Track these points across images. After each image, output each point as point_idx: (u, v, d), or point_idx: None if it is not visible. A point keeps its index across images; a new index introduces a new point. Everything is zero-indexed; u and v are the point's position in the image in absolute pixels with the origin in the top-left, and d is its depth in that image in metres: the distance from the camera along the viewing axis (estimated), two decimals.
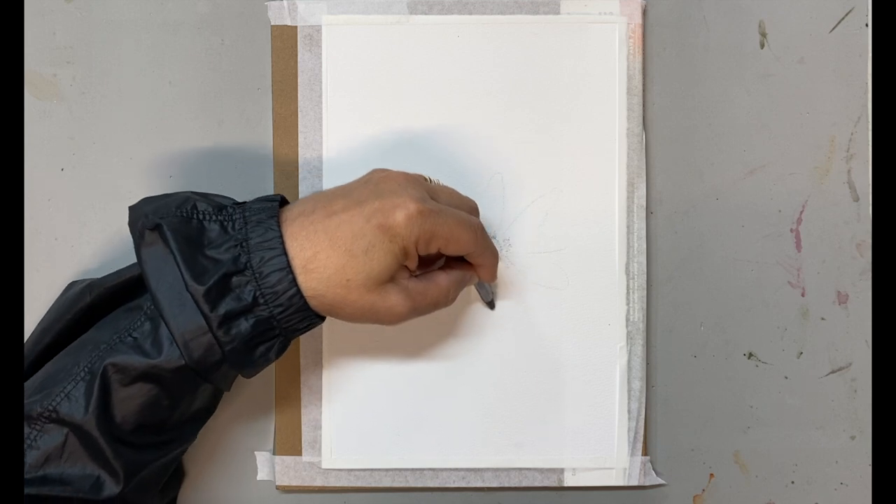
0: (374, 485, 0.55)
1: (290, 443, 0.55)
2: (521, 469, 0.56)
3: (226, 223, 0.45)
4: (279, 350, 0.47)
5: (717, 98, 0.57)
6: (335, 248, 0.44)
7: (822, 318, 0.57)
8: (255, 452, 0.56)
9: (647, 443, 0.56)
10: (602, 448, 0.56)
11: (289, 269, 0.44)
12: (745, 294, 0.57)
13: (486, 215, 0.55)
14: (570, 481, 0.56)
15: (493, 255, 0.51)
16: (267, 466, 0.56)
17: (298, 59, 0.55)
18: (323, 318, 0.47)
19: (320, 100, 0.55)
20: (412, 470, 0.56)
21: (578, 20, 0.56)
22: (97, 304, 0.48)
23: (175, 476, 0.54)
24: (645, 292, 0.56)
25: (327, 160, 0.55)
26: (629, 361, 0.56)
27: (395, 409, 0.55)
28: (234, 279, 0.44)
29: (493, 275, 0.51)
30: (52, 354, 0.47)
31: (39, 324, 0.50)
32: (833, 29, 0.57)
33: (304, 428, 0.55)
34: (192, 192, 0.47)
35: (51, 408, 0.44)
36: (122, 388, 0.44)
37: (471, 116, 0.55)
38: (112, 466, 0.44)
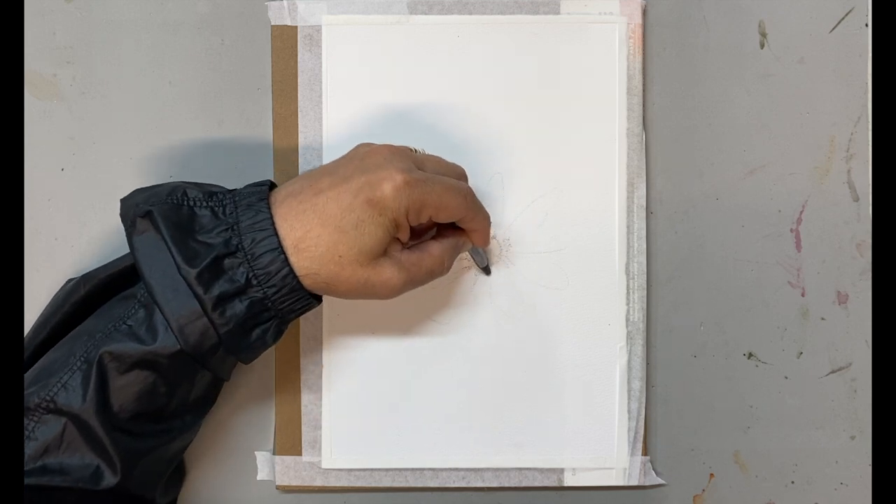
0: (374, 485, 0.55)
1: (290, 443, 0.55)
2: (521, 469, 0.56)
3: (216, 209, 0.45)
4: (275, 333, 0.47)
5: (717, 98, 0.57)
6: (325, 226, 0.44)
7: (822, 318, 0.57)
8: (255, 452, 0.56)
9: (647, 443, 0.56)
10: (602, 448, 0.56)
11: (280, 249, 0.44)
12: (745, 294, 0.57)
13: None
14: (570, 481, 0.56)
15: (485, 219, 0.50)
16: (267, 466, 0.56)
17: (298, 59, 0.55)
18: (319, 300, 0.48)
19: (320, 100, 0.55)
20: (412, 470, 0.56)
21: (578, 20, 0.56)
22: (91, 295, 0.48)
23: (177, 476, 0.54)
24: (645, 292, 0.56)
25: (327, 160, 0.55)
26: (629, 361, 0.56)
27: (395, 409, 0.55)
28: (227, 261, 0.44)
29: (486, 239, 0.51)
30: (48, 348, 0.47)
31: (37, 320, 0.50)
32: (833, 29, 0.57)
33: (304, 428, 0.55)
34: (183, 181, 0.48)
35: (48, 398, 0.44)
36: (119, 377, 0.44)
37: (470, 116, 0.55)
38: (110, 456, 0.45)
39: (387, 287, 0.47)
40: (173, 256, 0.44)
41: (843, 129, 0.57)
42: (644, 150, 0.56)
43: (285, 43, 0.55)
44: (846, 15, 0.57)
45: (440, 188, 0.46)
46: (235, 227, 0.44)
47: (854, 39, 0.57)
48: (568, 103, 0.56)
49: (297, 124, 0.55)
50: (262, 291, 0.44)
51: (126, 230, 0.46)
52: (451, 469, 0.56)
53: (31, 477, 0.43)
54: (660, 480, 0.56)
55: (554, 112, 0.56)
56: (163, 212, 0.45)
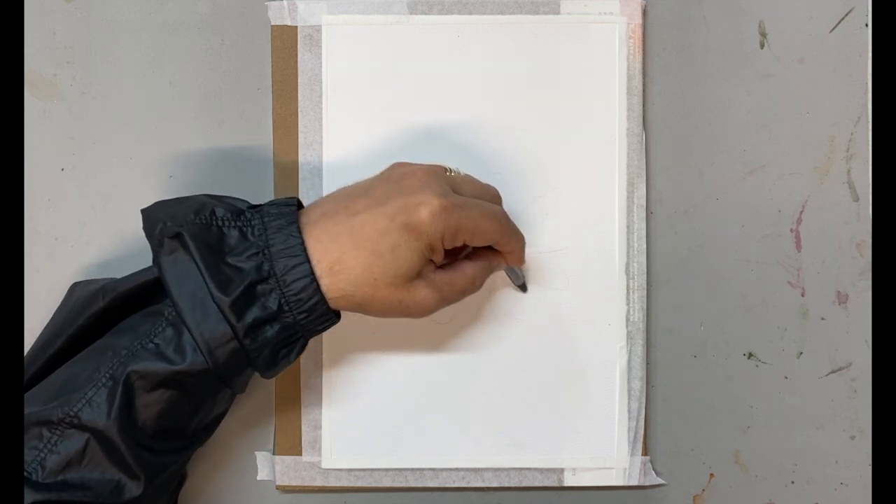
0: (374, 485, 0.55)
1: (290, 443, 0.55)
2: (521, 469, 0.56)
3: (244, 228, 0.45)
4: (300, 350, 0.47)
5: (717, 98, 0.57)
6: (361, 249, 0.44)
7: (822, 318, 0.57)
8: (256, 452, 0.56)
9: (647, 443, 0.56)
10: (602, 448, 0.56)
11: (312, 276, 0.44)
12: (745, 294, 0.57)
13: None
14: (570, 481, 0.56)
15: (520, 241, 0.51)
16: (267, 466, 0.56)
17: (298, 59, 0.55)
18: (339, 317, 0.48)
19: (320, 100, 0.55)
20: (412, 470, 0.56)
21: (578, 20, 0.56)
22: (111, 308, 0.47)
23: (178, 479, 0.54)
24: (645, 292, 0.56)
25: (327, 160, 0.55)
26: (629, 361, 0.56)
27: (396, 409, 0.55)
28: (259, 287, 0.44)
29: (522, 258, 0.51)
30: (64, 359, 0.47)
31: (47, 327, 0.49)
32: (833, 29, 0.57)
33: (304, 428, 0.55)
34: (206, 196, 0.47)
35: (72, 413, 0.43)
36: (145, 395, 0.44)
37: (471, 116, 0.55)
38: (133, 470, 0.44)
39: (420, 307, 0.47)
40: (205, 281, 0.43)
41: (844, 129, 0.57)
42: (644, 150, 0.56)
43: (285, 43, 0.55)
44: (846, 15, 0.57)
45: (476, 213, 0.47)
46: (266, 251, 0.44)
47: (854, 39, 0.57)
48: (568, 103, 0.56)
49: (297, 124, 0.55)
50: (292, 317, 0.45)
51: (153, 248, 0.45)
52: (451, 469, 0.56)
53: (52, 492, 0.43)
54: (660, 480, 0.56)
55: (554, 112, 0.56)
56: (192, 232, 0.44)
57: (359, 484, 0.55)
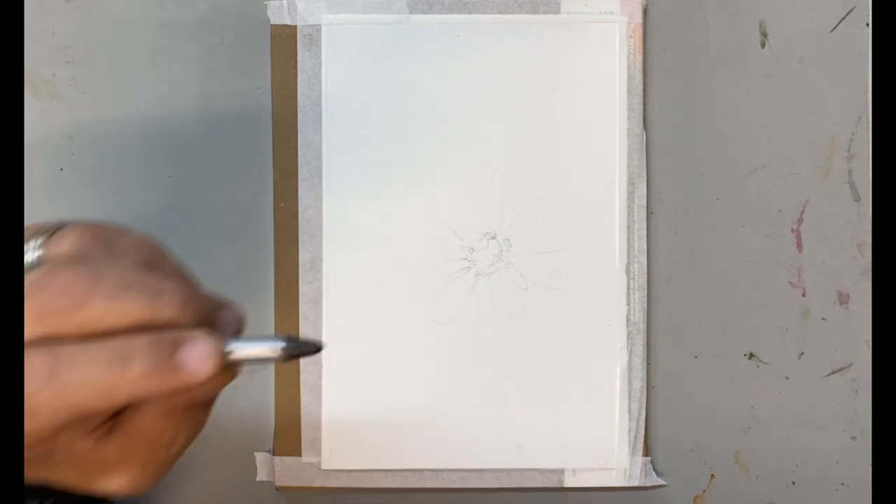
0: (373, 485, 0.55)
1: (289, 443, 0.55)
2: (521, 470, 0.56)
3: None
4: None
5: (717, 98, 0.57)
6: None
7: (823, 319, 0.57)
8: (255, 453, 0.56)
9: (648, 443, 0.56)
10: (602, 448, 0.56)
11: None
12: (745, 294, 0.57)
13: (487, 215, 0.55)
14: (570, 482, 0.56)
15: (212, 306, 0.33)
16: (267, 467, 0.56)
17: (298, 59, 0.55)
18: None
19: (320, 99, 0.55)
20: (412, 471, 0.55)
21: (579, 19, 0.56)
22: None
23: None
24: (645, 292, 0.56)
25: (327, 160, 0.55)
26: (629, 362, 0.56)
27: (395, 410, 0.55)
28: None
29: (239, 323, 0.34)
30: None
31: None
32: (834, 28, 0.57)
33: (303, 428, 0.55)
34: None
35: None
36: None
37: (470, 116, 0.55)
38: None
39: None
40: None
41: (844, 128, 0.57)
42: (644, 150, 0.56)
43: (285, 42, 0.55)
44: (847, 14, 0.57)
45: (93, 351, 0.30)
46: None
47: (855, 39, 0.57)
48: (568, 103, 0.56)
49: (297, 124, 0.55)
50: None
51: None
52: (450, 470, 0.55)
53: None
54: (660, 481, 0.56)
55: (554, 112, 0.56)
56: None
57: (358, 485, 0.55)
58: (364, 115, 0.55)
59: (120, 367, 0.29)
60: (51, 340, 0.30)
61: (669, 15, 0.57)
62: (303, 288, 0.55)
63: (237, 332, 0.33)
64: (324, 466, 0.55)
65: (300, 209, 0.55)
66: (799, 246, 0.57)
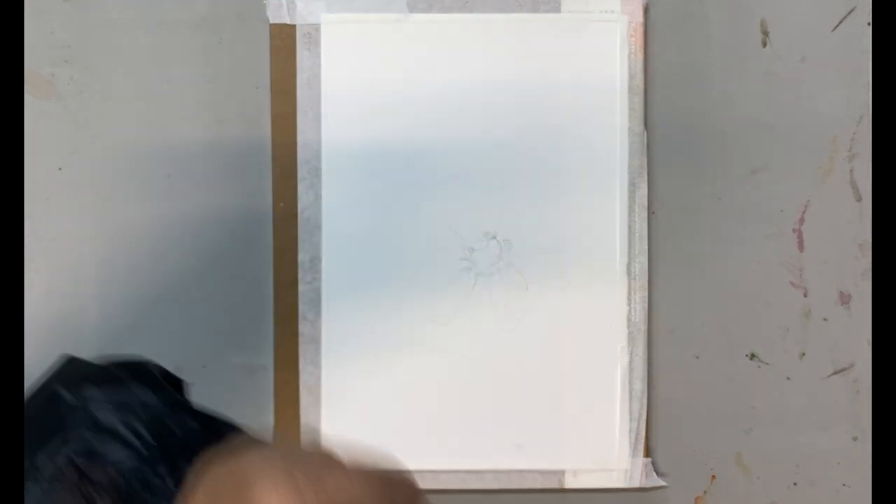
0: None
1: None
2: (521, 471, 0.55)
3: None
4: None
5: (718, 97, 0.57)
6: None
7: (825, 319, 0.57)
8: None
9: (649, 444, 0.56)
10: (603, 449, 0.55)
11: None
12: (747, 294, 0.57)
13: (487, 215, 0.55)
14: (570, 483, 0.56)
15: None
16: None
17: (297, 58, 0.55)
18: None
19: (319, 99, 0.55)
20: (412, 471, 0.55)
21: (579, 18, 0.55)
22: None
23: None
24: (646, 293, 0.56)
25: (326, 159, 0.55)
26: (630, 362, 0.56)
27: (394, 411, 0.55)
28: None
29: None
30: None
31: None
32: (835, 28, 0.57)
33: (303, 429, 0.55)
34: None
35: None
36: None
37: (470, 115, 0.55)
38: None
39: None
40: None
41: (846, 128, 0.57)
42: (645, 150, 0.56)
43: (284, 41, 0.55)
44: (848, 14, 0.57)
45: None
46: None
47: (856, 38, 0.57)
48: (569, 102, 0.55)
49: (296, 123, 0.55)
50: None
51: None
52: (450, 471, 0.55)
53: None
54: (661, 482, 0.56)
55: (554, 111, 0.55)
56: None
57: None
58: (363, 114, 0.55)
59: None
60: None
61: (670, 14, 0.57)
62: (302, 288, 0.55)
63: None
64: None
65: (299, 209, 0.55)
66: (800, 246, 0.57)
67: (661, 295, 0.57)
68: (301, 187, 0.55)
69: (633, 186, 0.56)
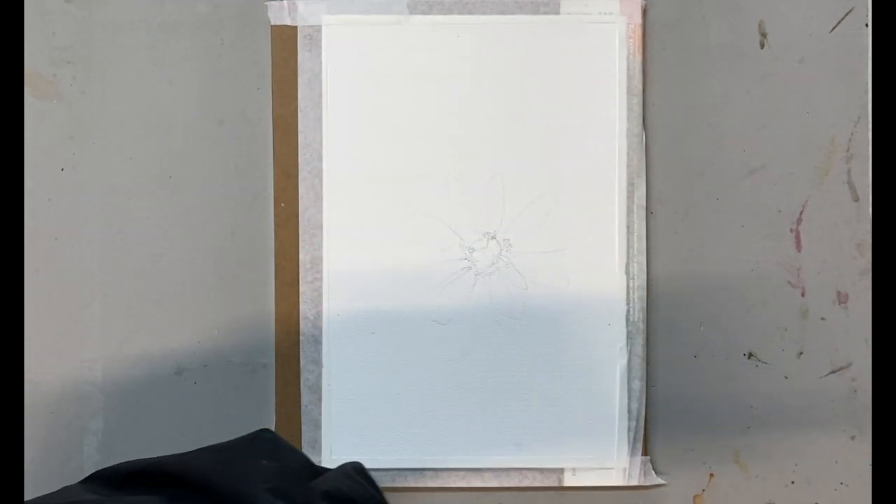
0: None
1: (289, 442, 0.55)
2: (521, 469, 0.56)
3: None
4: None
5: (717, 98, 0.57)
6: None
7: (822, 318, 0.57)
8: None
9: (648, 443, 0.56)
10: (602, 448, 0.56)
11: None
12: (745, 294, 0.57)
13: (487, 215, 0.55)
14: (570, 481, 0.56)
15: None
16: None
17: (298, 59, 0.55)
18: None
19: (320, 100, 0.55)
20: (412, 470, 0.55)
21: (578, 20, 0.56)
22: None
23: None
24: (645, 292, 0.56)
25: (327, 160, 0.55)
26: (629, 361, 0.56)
27: (395, 410, 0.55)
28: None
29: None
30: None
31: None
32: (833, 29, 0.57)
33: (304, 428, 0.55)
34: None
35: None
36: None
37: (471, 116, 0.55)
38: None
39: None
40: None
41: (844, 128, 0.57)
42: (644, 150, 0.56)
43: (285, 43, 0.55)
44: (846, 15, 0.57)
45: None
46: None
47: (854, 39, 0.57)
48: (568, 103, 0.56)
49: (297, 124, 0.55)
50: None
51: None
52: (451, 469, 0.55)
53: None
54: (660, 480, 0.56)
55: (554, 112, 0.56)
56: None
57: None
58: (364, 115, 0.55)
59: None
60: None
61: (669, 15, 0.57)
62: (303, 288, 0.55)
63: None
64: (324, 465, 0.55)
65: (300, 209, 0.55)
66: (798, 246, 0.57)
67: (659, 294, 0.57)
68: (302, 188, 0.55)
69: (631, 186, 0.56)
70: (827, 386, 0.57)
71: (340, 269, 0.55)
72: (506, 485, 0.56)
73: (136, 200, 0.56)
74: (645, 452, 0.56)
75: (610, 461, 0.56)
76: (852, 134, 0.57)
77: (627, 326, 0.56)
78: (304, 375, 0.55)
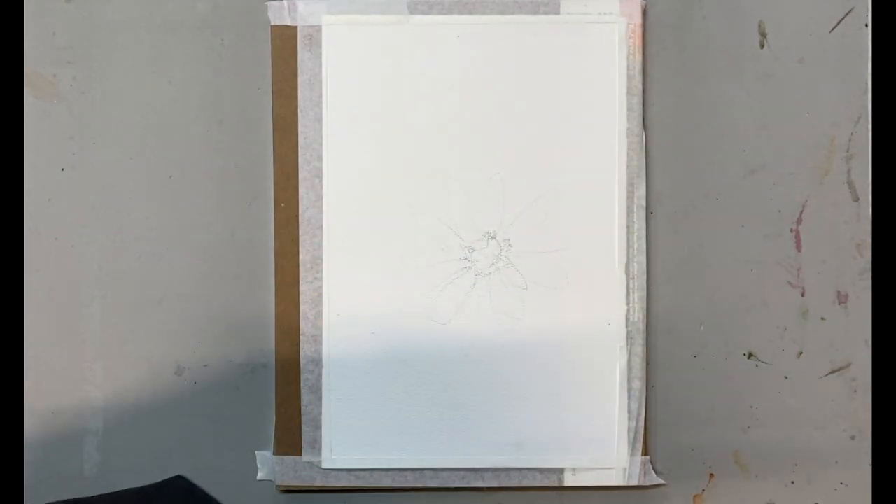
0: (374, 485, 0.55)
1: (289, 442, 0.55)
2: (521, 469, 0.56)
3: None
4: None
5: (716, 98, 0.57)
6: None
7: (822, 318, 0.57)
8: (255, 452, 0.56)
9: (647, 443, 0.56)
10: (602, 448, 0.56)
11: None
12: (745, 294, 0.57)
13: (487, 215, 0.55)
14: (570, 481, 0.56)
15: None
16: (267, 466, 0.56)
17: (298, 59, 0.55)
18: None
19: (320, 100, 0.55)
20: (412, 470, 0.56)
21: (578, 20, 0.56)
22: None
23: None
24: (645, 292, 0.56)
25: (327, 160, 0.55)
26: (629, 361, 0.56)
27: (395, 409, 0.55)
28: None
29: None
30: None
31: None
32: (833, 29, 0.57)
33: (304, 427, 0.55)
34: None
35: None
36: None
37: (471, 116, 0.56)
38: None
39: None
40: None
41: (843, 128, 0.57)
42: (644, 150, 0.56)
43: (285, 43, 0.55)
44: (846, 15, 0.57)
45: None
46: None
47: (854, 39, 0.57)
48: (568, 103, 0.56)
49: (297, 124, 0.55)
50: None
51: None
52: (451, 469, 0.56)
53: None
54: (660, 480, 0.56)
55: (554, 112, 0.56)
56: None
57: (359, 484, 0.55)
58: (364, 115, 0.55)
59: None
60: None
61: (669, 15, 0.57)
62: (303, 288, 0.55)
63: None
64: (324, 465, 0.55)
65: (300, 209, 0.55)
66: (798, 246, 0.57)
67: (659, 294, 0.57)
68: (302, 188, 0.55)
69: (631, 186, 0.56)
70: (827, 386, 0.57)
71: (340, 269, 0.55)
72: (506, 485, 0.56)
73: (136, 200, 0.56)
74: (645, 452, 0.56)
75: (610, 461, 0.56)
76: (852, 134, 0.57)
77: (627, 326, 0.56)
78: (304, 375, 0.55)
